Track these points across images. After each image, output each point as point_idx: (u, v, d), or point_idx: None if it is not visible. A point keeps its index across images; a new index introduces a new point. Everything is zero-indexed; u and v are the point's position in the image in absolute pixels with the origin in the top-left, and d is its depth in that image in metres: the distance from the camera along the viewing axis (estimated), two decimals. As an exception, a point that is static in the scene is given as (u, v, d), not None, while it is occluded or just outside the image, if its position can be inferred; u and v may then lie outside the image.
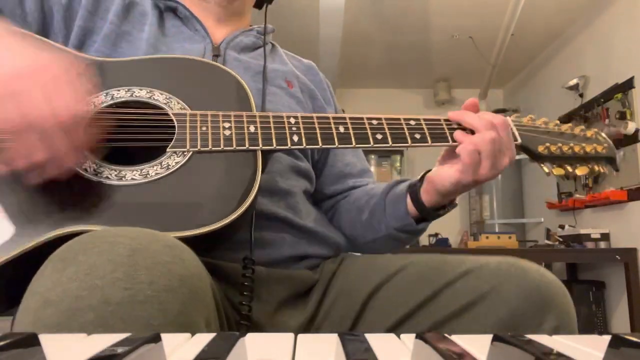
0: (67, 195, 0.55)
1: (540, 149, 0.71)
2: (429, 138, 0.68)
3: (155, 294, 0.39)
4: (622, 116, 2.91)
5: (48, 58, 0.53)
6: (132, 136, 0.60)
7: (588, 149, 0.73)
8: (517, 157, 0.79)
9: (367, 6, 3.34)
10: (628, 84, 2.91)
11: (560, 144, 0.72)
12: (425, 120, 0.70)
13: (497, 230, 4.00)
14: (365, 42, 3.87)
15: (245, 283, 0.62)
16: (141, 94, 0.65)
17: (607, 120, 3.08)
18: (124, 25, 0.78)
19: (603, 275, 3.16)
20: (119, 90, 0.65)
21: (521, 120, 0.74)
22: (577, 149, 0.72)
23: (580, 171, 0.72)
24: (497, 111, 4.37)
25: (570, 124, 0.76)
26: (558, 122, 0.76)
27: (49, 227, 0.52)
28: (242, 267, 0.64)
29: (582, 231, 3.06)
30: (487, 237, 3.31)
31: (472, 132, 0.67)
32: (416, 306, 0.63)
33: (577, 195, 3.31)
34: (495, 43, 3.60)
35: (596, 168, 0.74)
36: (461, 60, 4.13)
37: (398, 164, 4.49)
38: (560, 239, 3.17)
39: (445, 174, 0.67)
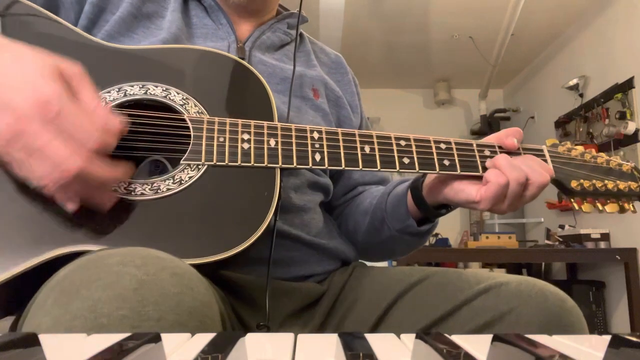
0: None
1: (574, 184, 0.68)
2: (458, 166, 0.64)
3: (164, 331, 0.36)
4: (622, 116, 2.91)
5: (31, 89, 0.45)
6: (143, 144, 0.56)
7: (622, 186, 0.70)
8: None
9: (367, 6, 3.34)
10: (628, 84, 2.91)
11: (594, 181, 0.69)
12: (456, 143, 0.65)
13: (497, 230, 4.00)
14: (365, 42, 3.87)
15: None
16: (156, 91, 0.60)
17: (607, 120, 3.08)
18: (146, 7, 0.72)
19: (603, 275, 3.16)
20: (132, 86, 0.60)
21: (558, 150, 0.71)
22: (610, 185, 0.69)
23: (610, 208, 0.70)
24: (497, 111, 4.39)
25: (606, 157, 0.72)
26: (594, 152, 0.73)
27: (50, 246, 0.48)
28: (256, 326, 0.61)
29: (582, 231, 3.05)
30: (487, 237, 3.31)
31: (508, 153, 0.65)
32: (431, 323, 0.62)
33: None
34: (495, 43, 3.59)
35: (626, 206, 0.71)
36: (461, 60, 4.13)
37: (398, 164, 4.48)
38: (560, 239, 3.17)
39: (463, 189, 0.64)
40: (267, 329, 0.59)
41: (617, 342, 0.23)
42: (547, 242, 3.36)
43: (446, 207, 0.70)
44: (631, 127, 2.82)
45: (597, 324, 3.00)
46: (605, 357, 0.23)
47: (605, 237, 3.00)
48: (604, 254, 2.92)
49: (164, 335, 0.24)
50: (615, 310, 3.02)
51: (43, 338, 0.23)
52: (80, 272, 0.40)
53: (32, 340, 0.22)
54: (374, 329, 0.65)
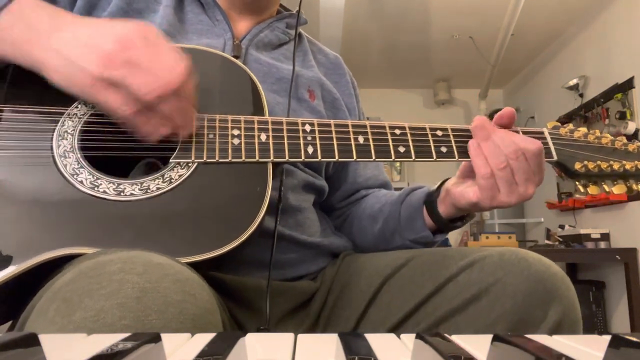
0: (61, 212, 0.51)
1: (578, 166, 0.66)
2: (455, 152, 0.63)
3: None
4: (622, 116, 2.91)
5: (123, 27, 0.52)
6: (131, 144, 0.55)
7: (628, 166, 0.68)
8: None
9: (367, 6, 3.34)
10: (628, 84, 2.91)
11: (599, 162, 0.67)
12: (453, 130, 0.64)
13: (497, 230, 4.00)
14: (365, 42, 3.87)
15: None
16: None
17: (607, 120, 3.08)
18: (136, 3, 0.71)
19: (603, 275, 3.16)
20: None
21: (559, 132, 0.69)
22: (616, 166, 0.67)
23: (618, 190, 0.68)
24: (497, 111, 4.39)
25: (611, 137, 0.70)
26: (599, 132, 0.70)
27: (41, 248, 0.47)
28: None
29: (582, 231, 3.06)
30: (487, 237, 3.32)
31: None
32: (419, 302, 0.62)
33: (577, 195, 3.31)
34: (495, 43, 3.59)
35: (634, 187, 0.68)
36: (461, 60, 4.13)
37: (398, 165, 4.48)
38: (560, 239, 3.17)
39: (464, 193, 0.64)
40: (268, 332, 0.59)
41: (617, 342, 0.22)
42: (547, 242, 3.36)
43: (461, 219, 0.70)
44: (631, 127, 2.82)
45: (597, 324, 3.00)
46: (605, 357, 0.23)
47: (605, 237, 3.01)
48: (604, 254, 2.92)
49: (164, 335, 0.24)
50: (615, 310, 3.02)
51: (43, 338, 0.23)
52: (82, 279, 0.39)
53: (32, 340, 0.22)
54: (364, 314, 0.66)
